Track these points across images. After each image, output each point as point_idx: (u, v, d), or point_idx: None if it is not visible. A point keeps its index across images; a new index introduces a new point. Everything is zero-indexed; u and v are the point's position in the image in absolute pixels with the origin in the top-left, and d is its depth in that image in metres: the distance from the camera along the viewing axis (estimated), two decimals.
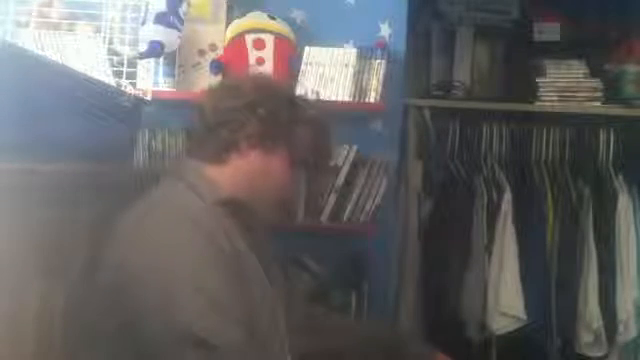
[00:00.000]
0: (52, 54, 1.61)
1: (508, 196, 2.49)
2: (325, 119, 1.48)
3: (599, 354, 2.43)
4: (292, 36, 2.21)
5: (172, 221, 1.25)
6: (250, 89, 1.40)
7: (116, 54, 1.78)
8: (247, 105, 1.37)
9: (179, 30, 1.93)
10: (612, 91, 2.58)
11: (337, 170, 2.15)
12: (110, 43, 1.77)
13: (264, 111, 1.37)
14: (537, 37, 2.77)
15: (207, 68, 2.16)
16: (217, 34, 2.19)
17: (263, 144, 1.38)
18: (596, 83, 2.56)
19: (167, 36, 1.88)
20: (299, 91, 1.49)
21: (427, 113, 2.62)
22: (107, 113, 1.49)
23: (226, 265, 1.22)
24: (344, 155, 2.16)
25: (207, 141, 1.38)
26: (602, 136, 2.56)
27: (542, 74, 2.59)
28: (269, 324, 1.32)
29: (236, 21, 2.19)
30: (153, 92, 1.87)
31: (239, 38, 2.15)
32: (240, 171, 1.37)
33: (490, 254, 2.47)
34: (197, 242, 1.22)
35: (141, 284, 1.16)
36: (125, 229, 1.25)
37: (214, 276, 1.20)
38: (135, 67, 1.81)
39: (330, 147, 1.56)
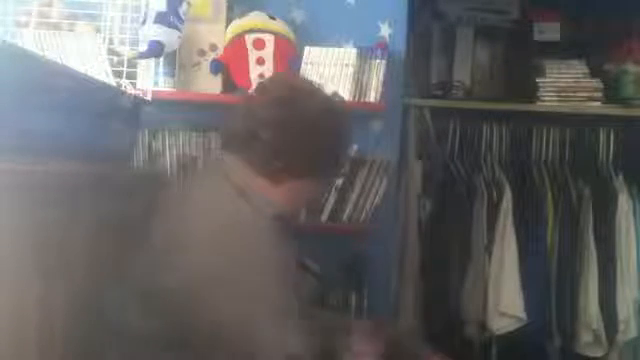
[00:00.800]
0: (52, 54, 1.61)
1: (508, 196, 2.49)
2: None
3: (599, 354, 2.43)
4: (292, 36, 2.21)
5: (239, 230, 1.29)
6: (311, 116, 1.41)
7: (116, 54, 1.78)
8: (307, 134, 1.39)
9: (179, 30, 1.93)
10: (612, 91, 2.58)
11: None
12: (110, 43, 1.77)
13: (318, 144, 1.41)
14: (537, 37, 2.77)
15: (207, 68, 2.16)
16: (217, 34, 2.18)
17: (312, 172, 1.44)
18: (596, 83, 2.56)
19: (167, 36, 1.87)
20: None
21: (427, 113, 2.62)
22: (107, 113, 1.49)
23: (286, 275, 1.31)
24: None
25: (257, 150, 1.38)
26: (602, 136, 2.57)
27: (542, 74, 2.59)
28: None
29: (236, 21, 2.19)
30: (153, 92, 1.87)
31: (239, 38, 2.15)
32: (289, 193, 1.42)
33: (490, 254, 2.47)
34: (268, 254, 1.28)
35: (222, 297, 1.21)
36: (186, 234, 1.27)
37: (282, 288, 1.28)
38: (135, 67, 1.81)
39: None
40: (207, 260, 1.23)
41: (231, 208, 1.33)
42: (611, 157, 2.56)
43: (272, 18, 2.19)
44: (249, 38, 2.15)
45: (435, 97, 2.71)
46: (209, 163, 1.47)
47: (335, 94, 1.54)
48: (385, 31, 2.29)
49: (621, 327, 2.40)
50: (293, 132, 1.37)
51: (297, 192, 1.44)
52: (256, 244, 1.28)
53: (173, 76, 2.14)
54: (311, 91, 1.46)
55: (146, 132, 2.10)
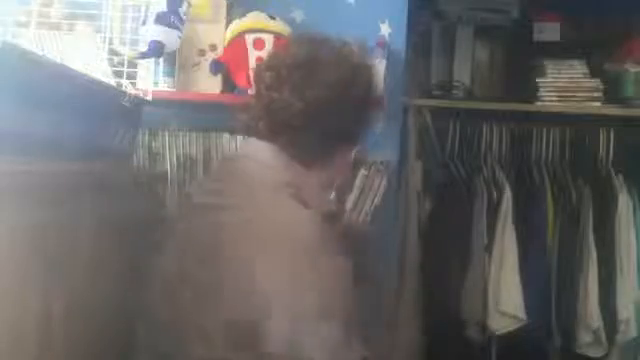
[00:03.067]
0: (52, 54, 1.61)
1: (508, 196, 2.49)
2: None
3: (599, 354, 2.43)
4: None
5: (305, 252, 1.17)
6: (349, 86, 1.29)
7: (116, 54, 1.78)
8: (346, 104, 1.28)
9: (179, 30, 1.92)
10: (612, 91, 2.58)
11: None
12: (110, 43, 1.77)
13: (359, 113, 1.31)
14: (537, 37, 2.78)
15: (207, 68, 2.16)
16: (217, 34, 2.18)
17: (353, 143, 1.33)
18: (596, 83, 2.57)
19: (167, 36, 1.87)
20: None
21: (427, 113, 2.62)
22: (107, 113, 1.49)
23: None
24: None
25: (303, 138, 1.27)
26: (602, 136, 2.57)
27: (542, 74, 2.59)
28: None
29: (236, 21, 2.19)
30: (153, 92, 1.87)
31: (239, 38, 2.15)
32: (332, 174, 1.33)
33: (490, 254, 2.48)
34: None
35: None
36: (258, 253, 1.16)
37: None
38: (135, 67, 1.81)
39: None
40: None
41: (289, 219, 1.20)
42: (611, 157, 2.56)
43: (272, 18, 2.19)
44: (249, 38, 2.15)
45: (435, 97, 2.71)
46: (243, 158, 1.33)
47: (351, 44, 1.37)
48: (385, 31, 2.28)
49: (621, 327, 2.40)
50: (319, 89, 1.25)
51: (334, 163, 1.32)
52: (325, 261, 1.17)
53: (173, 76, 2.14)
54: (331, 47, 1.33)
55: (146, 132, 2.10)
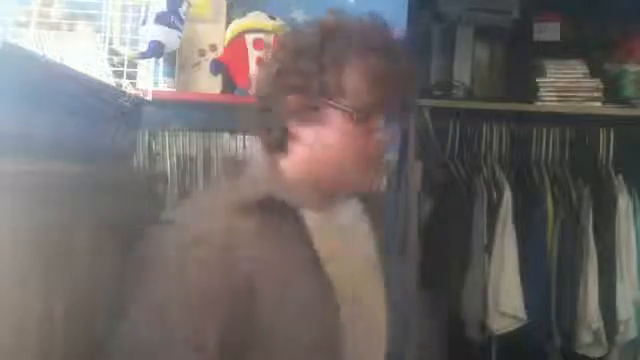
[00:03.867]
0: (52, 54, 1.61)
1: (508, 196, 2.49)
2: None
3: (599, 354, 2.43)
4: None
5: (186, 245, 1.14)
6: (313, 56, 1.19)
7: (116, 54, 1.78)
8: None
9: (179, 30, 1.92)
10: (612, 91, 2.58)
11: None
12: (110, 43, 1.77)
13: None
14: (537, 37, 2.78)
15: (207, 68, 2.16)
16: (217, 34, 2.18)
17: (316, 117, 1.17)
18: (596, 83, 2.57)
19: (167, 36, 1.87)
20: None
21: (427, 113, 2.62)
22: (107, 113, 1.49)
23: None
24: None
25: (265, 123, 1.21)
26: (602, 136, 2.57)
27: (542, 74, 2.59)
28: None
29: (236, 21, 2.19)
30: (153, 92, 1.87)
31: (239, 38, 2.15)
32: (304, 157, 1.19)
33: (490, 254, 2.47)
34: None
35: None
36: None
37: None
38: (135, 67, 1.81)
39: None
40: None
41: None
42: (611, 157, 2.56)
43: (272, 18, 2.19)
44: (249, 38, 2.14)
45: (435, 97, 2.71)
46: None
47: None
48: None
49: (621, 328, 2.40)
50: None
51: (311, 151, 1.19)
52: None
53: (173, 76, 2.14)
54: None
55: (146, 132, 2.10)
